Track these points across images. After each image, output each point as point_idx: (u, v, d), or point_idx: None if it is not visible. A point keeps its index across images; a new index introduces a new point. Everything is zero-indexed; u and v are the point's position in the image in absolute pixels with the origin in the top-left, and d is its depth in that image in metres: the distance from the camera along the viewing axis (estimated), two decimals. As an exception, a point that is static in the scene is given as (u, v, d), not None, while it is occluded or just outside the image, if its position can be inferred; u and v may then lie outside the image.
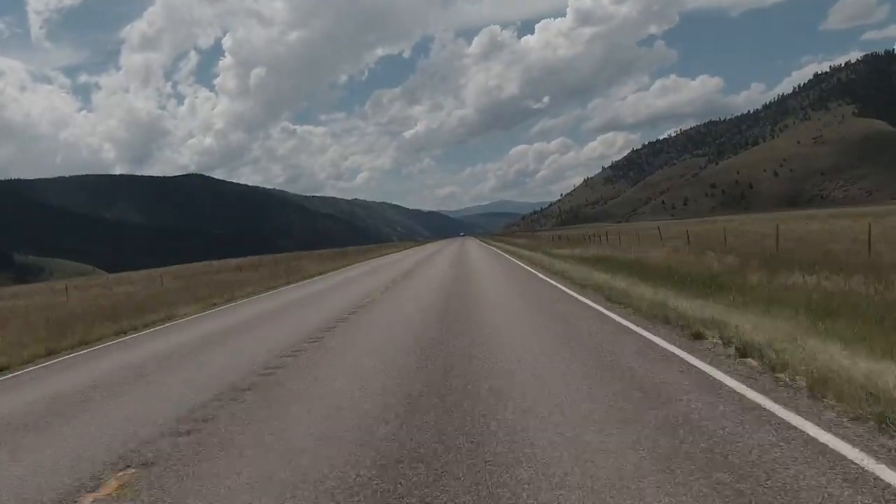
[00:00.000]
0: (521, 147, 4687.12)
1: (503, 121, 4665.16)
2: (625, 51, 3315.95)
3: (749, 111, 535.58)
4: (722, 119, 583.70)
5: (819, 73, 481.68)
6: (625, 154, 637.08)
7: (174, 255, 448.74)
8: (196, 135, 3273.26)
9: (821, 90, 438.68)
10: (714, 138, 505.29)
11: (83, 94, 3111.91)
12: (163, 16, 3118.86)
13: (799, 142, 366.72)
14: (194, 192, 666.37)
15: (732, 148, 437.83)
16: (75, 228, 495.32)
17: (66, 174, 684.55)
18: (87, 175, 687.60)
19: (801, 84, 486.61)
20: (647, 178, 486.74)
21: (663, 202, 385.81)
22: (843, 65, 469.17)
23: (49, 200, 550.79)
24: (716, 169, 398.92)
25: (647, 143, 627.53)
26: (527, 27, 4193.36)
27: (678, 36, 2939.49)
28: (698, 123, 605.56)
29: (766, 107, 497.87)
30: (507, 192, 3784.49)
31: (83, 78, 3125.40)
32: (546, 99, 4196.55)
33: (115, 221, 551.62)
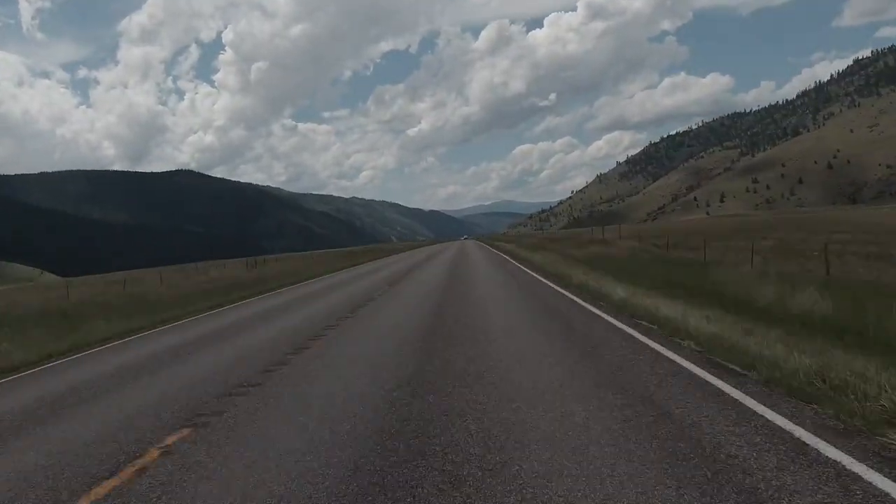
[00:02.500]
0: (525, 146, 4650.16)
1: (508, 119, 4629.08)
2: (635, 47, 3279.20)
3: (779, 101, 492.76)
4: (747, 111, 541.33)
5: (860, 58, 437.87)
6: (633, 152, 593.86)
7: (154, 256, 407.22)
8: (197, 131, 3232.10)
9: (867, 75, 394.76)
10: (744, 129, 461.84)
11: (81, 89, 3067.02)
12: (162, 7, 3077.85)
13: (852, 131, 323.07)
14: (184, 189, 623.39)
15: (768, 139, 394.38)
16: (49, 227, 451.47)
17: (50, 170, 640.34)
18: (70, 171, 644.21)
19: (840, 70, 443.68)
20: (671, 172, 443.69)
21: (695, 198, 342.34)
22: (885, 49, 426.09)
23: (26, 198, 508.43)
24: (752, 161, 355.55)
25: (665, 135, 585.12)
26: (536, 22, 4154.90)
27: (691, 33, 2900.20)
28: (721, 116, 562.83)
29: (802, 94, 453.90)
30: (510, 191, 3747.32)
31: (81, 72, 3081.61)
32: (552, 96, 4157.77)
33: (98, 220, 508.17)
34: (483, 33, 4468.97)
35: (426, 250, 66.19)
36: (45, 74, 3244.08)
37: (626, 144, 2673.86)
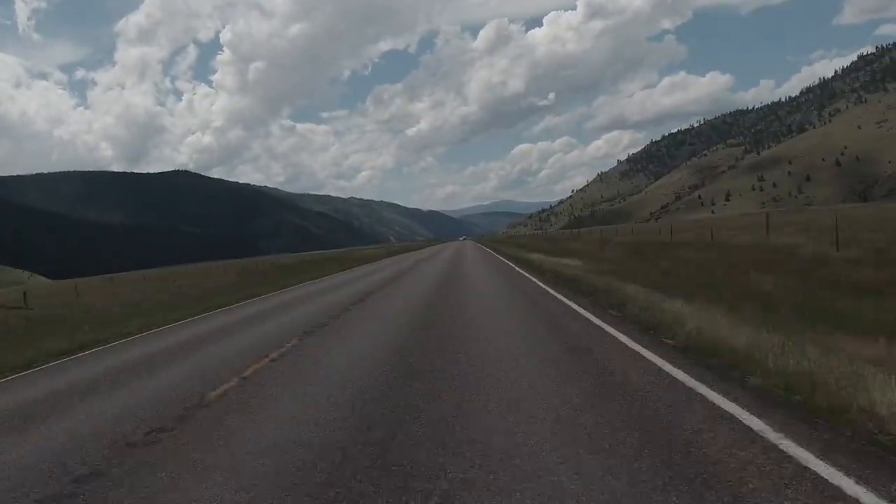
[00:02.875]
0: (524, 146, 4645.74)
1: (507, 118, 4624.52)
2: (635, 46, 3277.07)
3: (782, 99, 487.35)
4: (749, 108, 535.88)
5: (864, 54, 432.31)
6: (633, 152, 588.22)
7: (153, 257, 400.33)
8: (195, 132, 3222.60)
9: (872, 71, 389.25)
10: (747, 126, 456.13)
11: (78, 90, 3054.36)
12: (160, 7, 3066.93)
13: (859, 127, 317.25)
14: (180, 190, 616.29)
15: (772, 136, 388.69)
16: (49, 228, 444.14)
17: (46, 171, 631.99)
18: (64, 172, 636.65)
19: (844, 67, 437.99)
20: (674, 170, 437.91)
21: (700, 197, 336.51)
22: (891, 45, 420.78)
23: (21, 199, 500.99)
24: (758, 159, 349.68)
25: (667, 133, 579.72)
26: (535, 21, 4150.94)
27: (691, 31, 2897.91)
28: (723, 114, 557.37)
29: (806, 91, 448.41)
30: (508, 191, 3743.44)
31: (78, 73, 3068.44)
32: (551, 95, 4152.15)
33: (94, 221, 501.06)
34: (482, 33, 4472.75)
35: (390, 265, 37.27)
36: (43, 76, 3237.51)
37: (626, 144, 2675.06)
